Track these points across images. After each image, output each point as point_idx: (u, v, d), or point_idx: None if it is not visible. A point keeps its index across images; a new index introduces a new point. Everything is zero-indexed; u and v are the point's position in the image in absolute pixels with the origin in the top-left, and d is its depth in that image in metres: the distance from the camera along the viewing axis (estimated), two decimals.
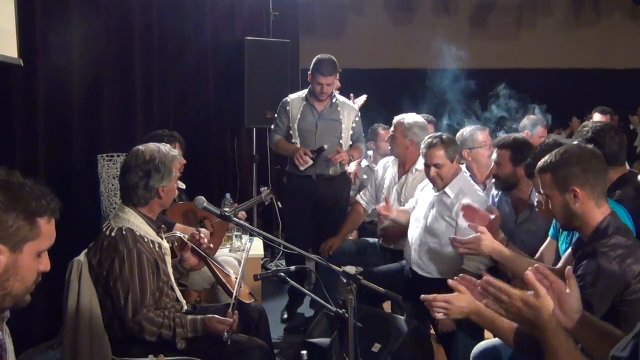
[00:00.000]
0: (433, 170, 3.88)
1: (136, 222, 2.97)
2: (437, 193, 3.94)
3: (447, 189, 3.89)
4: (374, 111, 7.33)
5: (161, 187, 2.99)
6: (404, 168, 4.56)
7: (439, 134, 3.98)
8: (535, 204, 3.70)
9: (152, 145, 3.06)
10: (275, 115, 4.99)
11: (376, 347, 3.20)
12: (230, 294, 3.25)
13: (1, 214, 1.64)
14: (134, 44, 5.45)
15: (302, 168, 4.69)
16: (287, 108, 4.86)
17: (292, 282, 3.08)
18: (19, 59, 3.99)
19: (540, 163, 2.65)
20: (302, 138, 4.81)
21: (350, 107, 4.98)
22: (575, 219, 2.54)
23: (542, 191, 2.65)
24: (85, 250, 3.00)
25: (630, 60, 10.37)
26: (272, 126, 5.02)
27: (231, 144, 6.58)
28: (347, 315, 2.56)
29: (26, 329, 4.26)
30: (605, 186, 2.57)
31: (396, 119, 4.55)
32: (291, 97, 4.93)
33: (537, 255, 3.41)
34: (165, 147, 3.07)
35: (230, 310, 3.05)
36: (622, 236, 2.46)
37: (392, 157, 4.76)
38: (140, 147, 3.05)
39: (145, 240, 2.97)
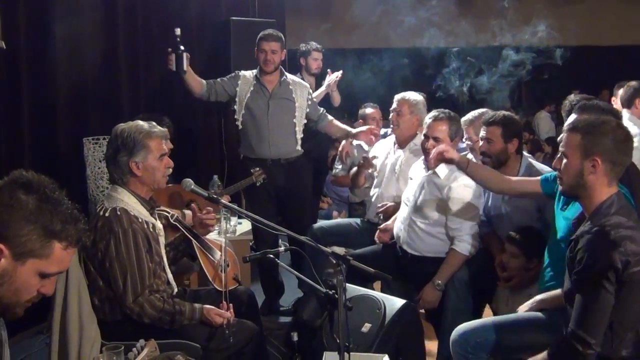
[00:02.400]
0: (431, 142, 3.87)
1: (129, 201, 2.94)
2: (428, 173, 3.94)
3: (437, 170, 3.87)
4: (362, 91, 7.31)
5: (133, 162, 2.93)
6: (400, 144, 4.55)
7: (446, 110, 3.98)
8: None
9: (131, 122, 3.02)
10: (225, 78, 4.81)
11: (366, 327, 3.20)
12: (209, 283, 3.29)
13: (21, 220, 1.61)
14: (118, 24, 5.37)
15: (173, 68, 4.56)
16: (238, 82, 4.72)
17: (282, 263, 3.09)
18: (1, 42, 3.95)
19: (574, 121, 2.62)
20: (252, 117, 4.67)
21: (303, 86, 4.84)
22: (582, 189, 2.53)
23: (562, 148, 2.62)
24: None
25: (616, 37, 10.38)
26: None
27: (218, 125, 6.52)
28: (337, 296, 2.56)
29: None
30: (622, 170, 2.56)
31: (400, 96, 4.53)
32: (244, 72, 4.79)
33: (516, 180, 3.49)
34: (145, 124, 3.01)
35: (224, 301, 3.05)
36: (624, 216, 2.46)
37: (389, 138, 4.77)
38: (122, 124, 3.02)
39: (140, 220, 2.94)
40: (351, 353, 2.51)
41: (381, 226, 4.31)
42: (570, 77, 9.33)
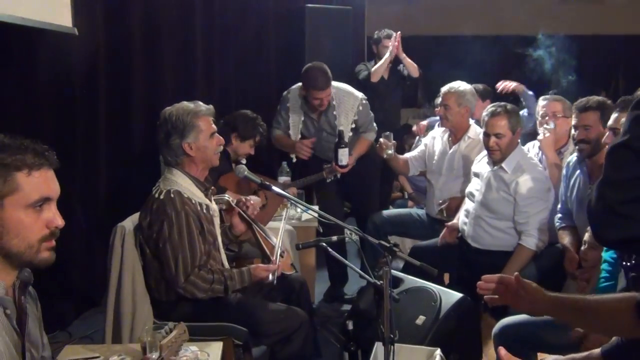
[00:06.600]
0: (493, 140, 3.77)
1: (184, 183, 2.97)
2: (494, 168, 3.83)
3: (504, 164, 3.78)
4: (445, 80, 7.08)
5: (186, 144, 2.94)
6: (455, 137, 4.43)
7: (503, 103, 3.84)
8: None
9: (177, 104, 3.02)
10: (278, 107, 4.77)
11: (420, 320, 3.14)
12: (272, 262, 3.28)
13: None
14: (195, 15, 5.48)
15: (306, 158, 4.62)
16: (289, 114, 4.67)
17: (333, 252, 3.05)
18: (74, 28, 4.09)
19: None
20: (308, 137, 4.67)
21: (352, 100, 4.61)
22: None
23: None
24: (130, 217, 3.09)
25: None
26: (274, 121, 4.78)
27: None
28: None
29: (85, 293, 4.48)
30: None
31: (445, 88, 4.39)
32: (291, 100, 4.66)
33: None
34: (190, 104, 3.01)
35: (274, 258, 3.11)
36: None
37: (440, 129, 4.64)
38: (168, 107, 3.03)
39: (193, 202, 2.96)
40: (401, 345, 2.45)
41: (449, 224, 4.17)
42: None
